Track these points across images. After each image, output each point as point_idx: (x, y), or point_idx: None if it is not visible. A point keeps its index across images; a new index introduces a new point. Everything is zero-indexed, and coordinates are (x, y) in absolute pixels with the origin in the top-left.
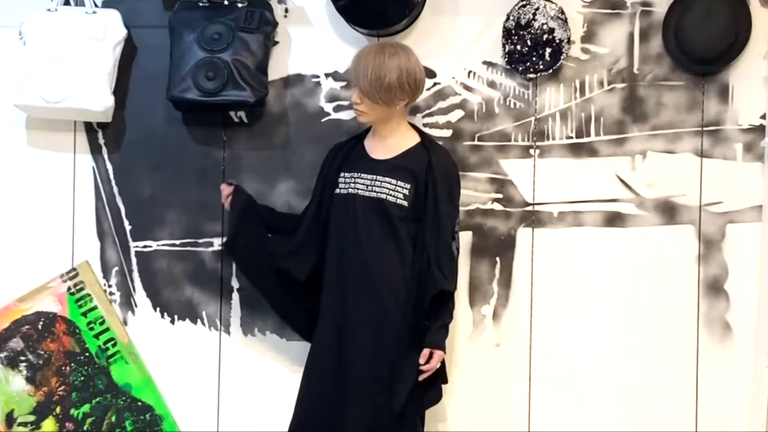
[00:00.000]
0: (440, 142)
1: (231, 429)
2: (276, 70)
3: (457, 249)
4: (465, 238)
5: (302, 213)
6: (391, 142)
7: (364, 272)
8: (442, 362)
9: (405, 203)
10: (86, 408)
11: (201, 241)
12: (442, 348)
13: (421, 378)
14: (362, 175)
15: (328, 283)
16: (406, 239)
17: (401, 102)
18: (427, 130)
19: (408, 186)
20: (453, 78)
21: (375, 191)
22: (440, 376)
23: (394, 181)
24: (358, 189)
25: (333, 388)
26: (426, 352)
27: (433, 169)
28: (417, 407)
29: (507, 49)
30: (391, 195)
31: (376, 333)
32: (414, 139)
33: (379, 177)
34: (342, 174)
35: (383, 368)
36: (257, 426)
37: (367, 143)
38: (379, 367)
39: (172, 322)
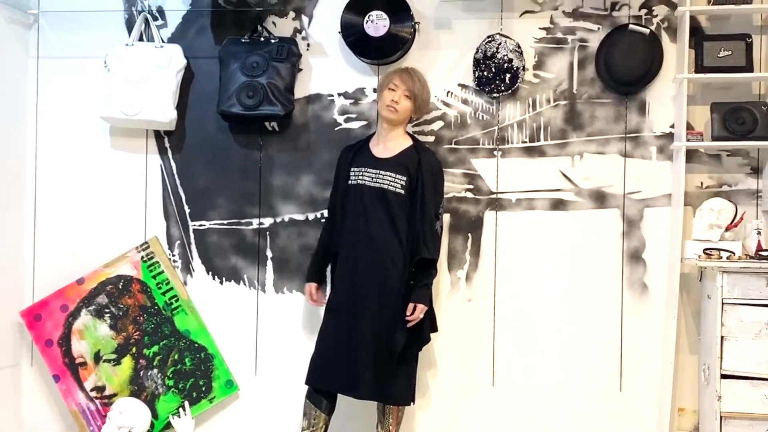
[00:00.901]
0: (425, 145)
1: (266, 363)
2: (300, 91)
3: (441, 228)
4: (444, 219)
5: (331, 205)
6: (391, 144)
7: (371, 247)
8: (432, 314)
9: (402, 192)
10: (155, 348)
11: (243, 221)
12: (424, 302)
13: (408, 326)
14: (368, 169)
15: (342, 256)
16: (403, 221)
17: (419, 113)
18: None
19: (404, 179)
20: (435, 97)
21: (378, 182)
22: (428, 324)
23: (393, 175)
24: (365, 180)
25: (347, 336)
26: (411, 305)
27: (421, 165)
28: (413, 348)
29: (476, 75)
30: (391, 185)
31: (381, 294)
32: (408, 143)
33: (381, 171)
34: (352, 169)
35: (386, 322)
36: (286, 360)
37: (371, 145)
38: (383, 321)
39: (221, 282)
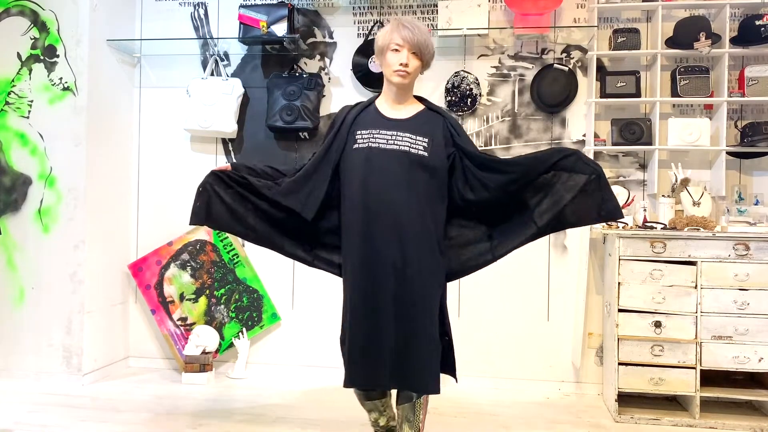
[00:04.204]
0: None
1: (299, 301)
2: (323, 110)
3: None
4: None
5: (306, 166)
6: (405, 106)
7: (386, 210)
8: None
9: (425, 154)
10: (222, 291)
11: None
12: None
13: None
14: (381, 131)
15: (350, 223)
16: (423, 184)
17: (427, 67)
18: None
19: (426, 140)
20: None
21: (396, 144)
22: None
23: (413, 136)
24: (378, 143)
25: (373, 320)
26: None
27: (451, 125)
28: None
29: (447, 99)
30: (413, 147)
31: (406, 259)
32: (419, 105)
33: (399, 133)
34: (359, 132)
35: (416, 294)
36: (314, 299)
37: (380, 108)
38: (412, 294)
39: None
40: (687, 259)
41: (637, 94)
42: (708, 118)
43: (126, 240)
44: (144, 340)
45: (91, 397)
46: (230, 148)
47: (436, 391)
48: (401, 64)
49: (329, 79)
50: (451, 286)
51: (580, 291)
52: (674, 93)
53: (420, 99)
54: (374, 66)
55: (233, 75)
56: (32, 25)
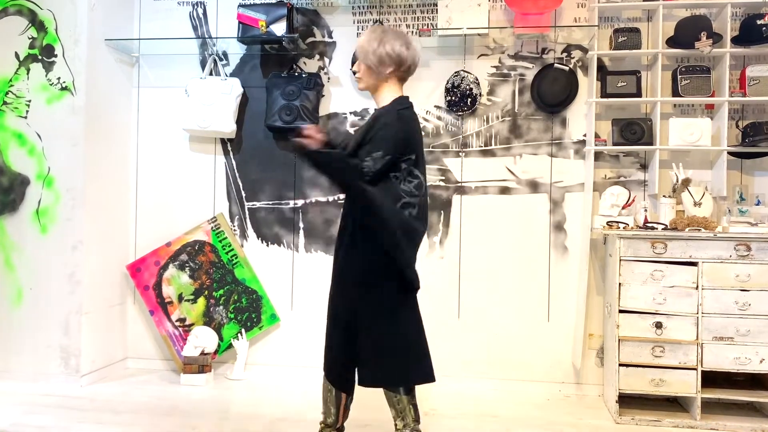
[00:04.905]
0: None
1: (298, 302)
2: (323, 110)
3: (370, 171)
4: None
5: None
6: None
7: (340, 230)
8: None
9: None
10: (221, 291)
11: (282, 202)
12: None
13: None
14: None
15: None
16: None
17: (387, 69)
18: None
19: (354, 146)
20: (418, 114)
21: None
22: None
23: (350, 143)
24: None
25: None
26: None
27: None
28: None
29: (447, 99)
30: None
31: (342, 266)
32: (381, 107)
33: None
34: None
35: (346, 308)
36: (313, 300)
37: None
38: (344, 307)
39: (267, 245)
40: (688, 260)
41: (638, 94)
42: (709, 118)
43: (124, 240)
44: (142, 341)
45: (89, 399)
46: (229, 148)
47: (367, 384)
48: (353, 71)
49: (328, 78)
50: (451, 287)
51: (580, 292)
52: (675, 93)
53: (396, 100)
54: None
55: (232, 75)
56: (30, 25)
